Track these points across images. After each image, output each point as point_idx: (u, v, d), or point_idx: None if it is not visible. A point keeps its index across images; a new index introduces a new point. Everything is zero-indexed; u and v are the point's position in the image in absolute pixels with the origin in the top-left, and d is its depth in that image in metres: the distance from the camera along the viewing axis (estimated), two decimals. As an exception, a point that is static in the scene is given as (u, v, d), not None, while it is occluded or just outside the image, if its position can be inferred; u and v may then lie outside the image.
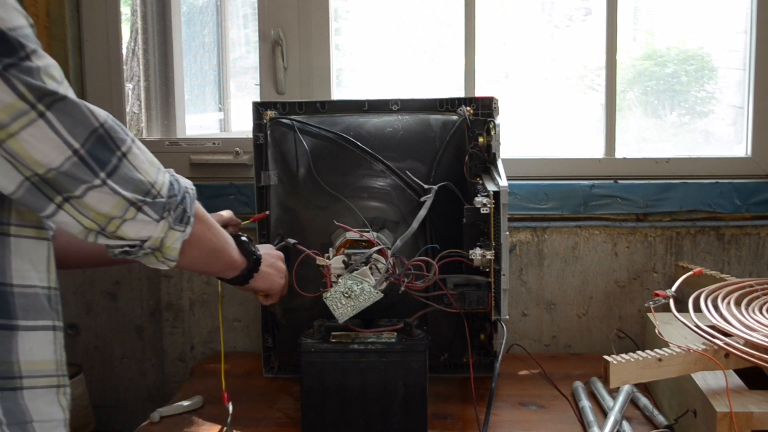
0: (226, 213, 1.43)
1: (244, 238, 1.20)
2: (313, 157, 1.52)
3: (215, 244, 1.08)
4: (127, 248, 0.92)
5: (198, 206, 1.00)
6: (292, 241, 1.42)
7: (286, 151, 1.54)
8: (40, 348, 0.94)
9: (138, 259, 0.95)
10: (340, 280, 1.30)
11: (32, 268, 0.93)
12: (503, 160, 1.43)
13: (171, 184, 0.94)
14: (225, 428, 1.34)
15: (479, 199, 1.33)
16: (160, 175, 0.92)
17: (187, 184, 0.98)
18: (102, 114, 0.87)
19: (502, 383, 1.57)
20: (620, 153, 1.84)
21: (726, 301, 1.41)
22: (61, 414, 0.96)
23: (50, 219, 0.87)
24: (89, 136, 0.85)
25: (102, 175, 0.86)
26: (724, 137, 2.01)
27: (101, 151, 0.86)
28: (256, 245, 1.24)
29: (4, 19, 0.81)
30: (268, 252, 1.27)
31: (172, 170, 0.97)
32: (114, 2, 1.86)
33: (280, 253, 1.32)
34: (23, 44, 0.82)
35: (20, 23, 0.83)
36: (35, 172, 0.83)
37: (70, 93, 0.86)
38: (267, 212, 1.55)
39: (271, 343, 1.62)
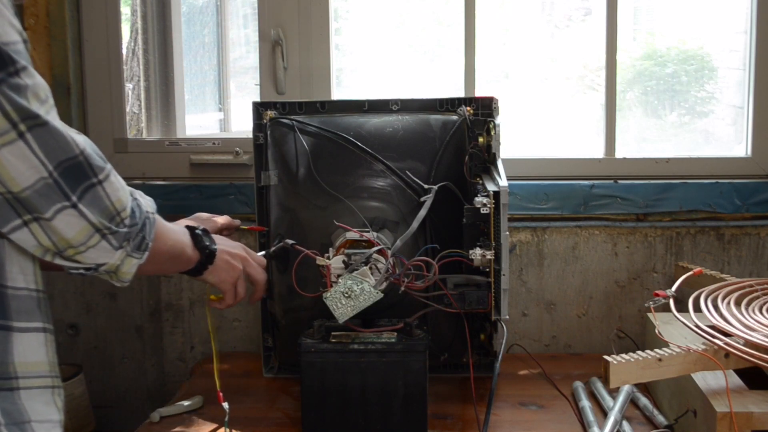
0: (222, 219, 1.41)
1: (198, 231, 1.17)
2: (313, 157, 1.52)
3: (171, 254, 1.09)
4: (82, 270, 0.94)
5: (157, 226, 1.00)
6: (290, 242, 1.42)
7: (286, 151, 1.54)
8: (33, 349, 0.94)
9: (92, 276, 0.96)
10: (340, 280, 1.30)
11: (20, 271, 0.93)
12: (503, 160, 1.43)
13: (132, 211, 0.94)
14: (225, 428, 1.34)
15: (479, 199, 1.33)
16: (128, 203, 0.93)
17: (148, 207, 0.99)
18: (81, 141, 0.88)
19: (502, 383, 1.57)
20: (620, 153, 1.84)
21: (726, 301, 1.41)
22: (57, 415, 0.97)
23: (10, 234, 0.87)
24: (65, 161, 0.86)
25: (73, 198, 0.87)
26: (724, 137, 2.01)
27: (75, 176, 0.87)
28: (218, 241, 1.21)
29: None
30: (227, 248, 1.24)
31: (135, 191, 0.98)
32: (114, 2, 1.86)
33: (243, 254, 1.27)
34: (14, 60, 0.82)
35: (14, 39, 0.83)
36: (9, 189, 0.84)
37: (52, 114, 0.86)
38: (265, 228, 1.55)
39: (271, 343, 1.62)
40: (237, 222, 1.44)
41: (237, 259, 1.25)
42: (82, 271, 0.94)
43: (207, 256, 1.19)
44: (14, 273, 0.92)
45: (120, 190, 0.92)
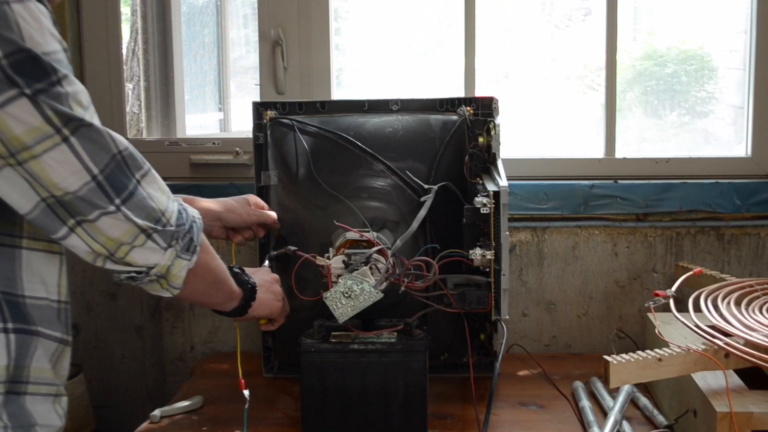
0: (270, 214, 1.46)
1: (236, 270, 1.22)
2: (313, 157, 1.52)
3: (217, 275, 1.11)
4: (133, 274, 0.94)
5: (203, 237, 1.02)
6: (292, 248, 1.42)
7: (286, 151, 1.54)
8: (48, 357, 0.95)
9: (142, 286, 0.97)
10: (340, 280, 1.30)
11: (42, 281, 0.94)
12: (503, 160, 1.43)
13: (179, 212, 0.96)
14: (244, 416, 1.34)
15: (479, 199, 1.33)
16: (170, 204, 0.94)
17: (194, 213, 1.00)
18: (123, 141, 0.89)
19: (502, 383, 1.57)
20: (620, 153, 1.84)
21: (726, 301, 1.41)
22: (59, 422, 0.98)
23: (62, 241, 0.89)
24: (109, 163, 0.87)
25: (117, 201, 0.88)
26: (724, 137, 2.01)
27: (118, 178, 0.88)
28: (248, 272, 1.26)
29: (40, 43, 0.83)
30: (262, 278, 1.29)
31: (180, 199, 0.99)
32: (114, 2, 1.86)
33: (275, 276, 1.34)
34: (56, 69, 0.84)
35: (54, 48, 0.85)
36: (52, 194, 0.85)
37: (96, 119, 0.88)
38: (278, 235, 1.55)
39: (271, 343, 1.62)
40: (278, 225, 1.49)
41: (274, 283, 1.32)
42: (133, 274, 0.94)
43: (249, 291, 1.23)
44: (33, 283, 0.93)
45: (159, 191, 0.93)
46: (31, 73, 0.82)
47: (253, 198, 1.45)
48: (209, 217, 1.35)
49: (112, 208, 0.87)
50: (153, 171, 0.93)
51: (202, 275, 1.04)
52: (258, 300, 1.24)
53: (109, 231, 0.88)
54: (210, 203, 1.37)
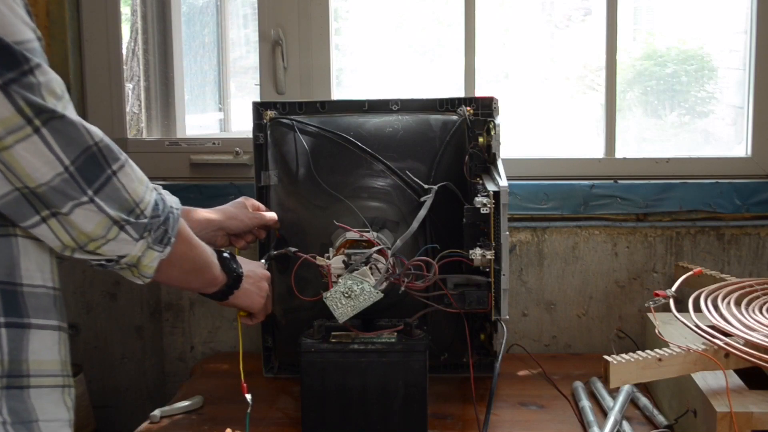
0: (269, 215, 1.46)
1: (226, 255, 1.21)
2: (313, 157, 1.52)
3: (196, 264, 1.10)
4: (103, 262, 0.94)
5: (182, 226, 1.01)
6: (292, 249, 1.42)
7: (286, 151, 1.54)
8: (47, 348, 0.95)
9: (114, 271, 0.97)
10: (340, 280, 1.30)
11: (38, 268, 0.94)
12: (503, 160, 1.43)
13: (156, 203, 0.95)
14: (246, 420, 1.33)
15: (479, 199, 1.33)
16: (147, 194, 0.94)
17: (172, 203, 0.99)
18: (98, 133, 0.88)
19: (502, 383, 1.57)
20: (620, 153, 1.84)
21: (726, 301, 1.41)
22: (66, 414, 0.97)
23: (31, 230, 0.88)
24: (81, 154, 0.86)
25: (90, 192, 0.87)
26: (724, 137, 2.02)
27: (91, 169, 0.87)
28: (240, 262, 1.25)
29: (13, 32, 0.82)
30: (252, 270, 1.28)
31: (159, 188, 0.98)
32: (114, 2, 1.86)
33: (267, 273, 1.33)
34: (28, 58, 0.82)
35: (28, 37, 0.83)
36: (26, 185, 0.84)
37: (69, 109, 0.86)
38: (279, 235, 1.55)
39: (271, 343, 1.62)
40: (278, 225, 1.49)
41: (263, 279, 1.30)
42: (103, 262, 0.93)
43: (234, 279, 1.22)
44: (31, 271, 0.92)
45: (136, 181, 0.92)
46: (2, 63, 0.81)
47: (249, 200, 1.45)
48: (211, 228, 1.35)
49: (85, 198, 0.86)
50: (130, 162, 0.92)
51: (179, 264, 1.03)
52: (241, 289, 1.24)
53: (83, 224, 0.87)
54: (210, 213, 1.37)
